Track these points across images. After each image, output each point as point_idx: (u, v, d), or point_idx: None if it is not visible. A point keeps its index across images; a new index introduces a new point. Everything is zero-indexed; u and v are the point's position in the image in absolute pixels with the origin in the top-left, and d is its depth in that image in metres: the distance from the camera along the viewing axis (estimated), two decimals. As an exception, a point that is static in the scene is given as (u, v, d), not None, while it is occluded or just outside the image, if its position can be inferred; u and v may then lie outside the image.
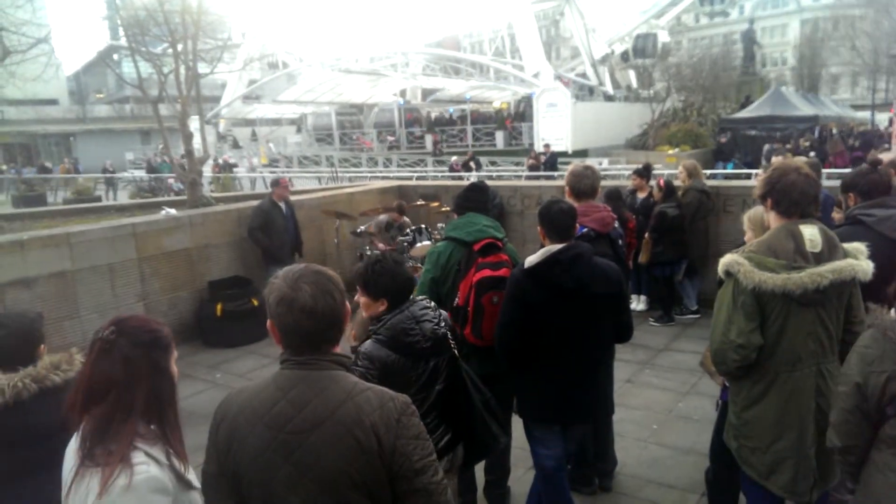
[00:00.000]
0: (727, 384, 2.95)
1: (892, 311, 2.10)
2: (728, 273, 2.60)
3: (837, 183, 4.89)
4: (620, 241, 3.98)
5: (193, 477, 1.77)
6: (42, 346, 2.55)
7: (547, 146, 23.01)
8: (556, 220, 3.02)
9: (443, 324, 2.70)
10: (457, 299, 3.34)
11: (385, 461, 1.65)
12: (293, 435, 1.65)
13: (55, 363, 2.42)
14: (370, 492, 1.66)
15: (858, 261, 2.56)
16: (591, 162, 4.99)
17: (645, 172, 7.77)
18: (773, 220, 2.69)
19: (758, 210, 3.04)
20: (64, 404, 2.31)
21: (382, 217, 8.46)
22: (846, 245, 2.63)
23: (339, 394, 1.68)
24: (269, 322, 1.74)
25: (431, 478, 1.70)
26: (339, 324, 1.74)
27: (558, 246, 2.97)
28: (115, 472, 1.56)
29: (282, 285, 1.71)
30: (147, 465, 1.60)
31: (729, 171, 18.48)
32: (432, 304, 2.77)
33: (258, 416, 1.68)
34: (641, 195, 7.62)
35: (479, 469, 3.79)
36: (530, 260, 2.99)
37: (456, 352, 2.75)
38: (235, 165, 28.07)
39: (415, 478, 1.68)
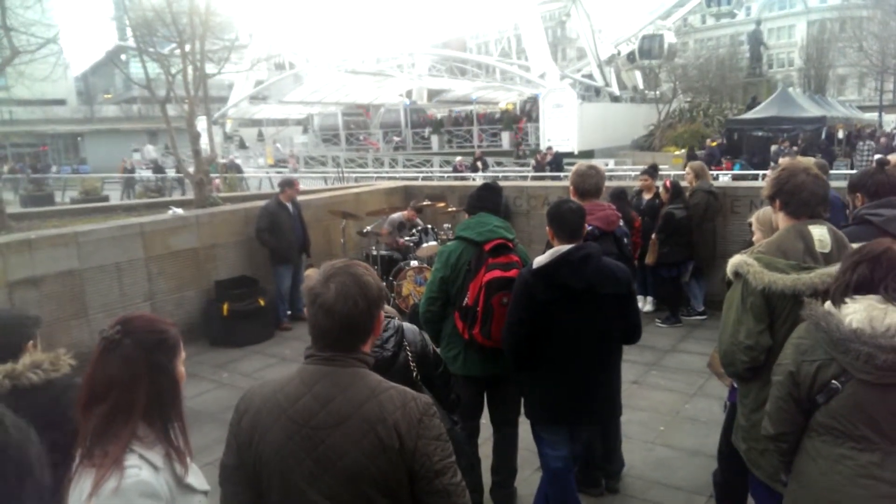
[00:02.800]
0: (735, 386, 2.94)
1: (826, 303, 2.13)
2: (737, 274, 2.59)
3: (844, 184, 4.87)
4: (626, 240, 3.98)
5: (197, 480, 1.75)
6: (28, 344, 2.37)
7: (549, 148, 22.99)
8: (565, 219, 3.02)
9: (390, 345, 2.39)
10: (466, 299, 3.34)
11: (406, 460, 1.66)
12: (317, 430, 1.66)
13: (37, 362, 2.27)
14: (389, 489, 1.66)
15: (868, 261, 2.55)
16: (596, 163, 4.99)
17: (653, 172, 7.76)
18: (781, 220, 2.68)
19: (766, 211, 3.04)
20: (39, 406, 2.27)
21: (396, 216, 8.43)
22: (855, 245, 2.62)
23: (364, 391, 1.69)
24: None
25: (451, 479, 1.71)
26: (357, 329, 1.73)
27: (567, 246, 2.97)
28: (107, 474, 1.54)
29: (318, 277, 1.73)
30: (139, 469, 1.58)
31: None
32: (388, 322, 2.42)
33: (282, 409, 1.70)
34: (647, 196, 7.60)
35: (486, 470, 3.79)
36: (539, 260, 2.99)
37: (415, 374, 2.46)
38: (239, 169, 27.16)
39: (435, 479, 1.68)
